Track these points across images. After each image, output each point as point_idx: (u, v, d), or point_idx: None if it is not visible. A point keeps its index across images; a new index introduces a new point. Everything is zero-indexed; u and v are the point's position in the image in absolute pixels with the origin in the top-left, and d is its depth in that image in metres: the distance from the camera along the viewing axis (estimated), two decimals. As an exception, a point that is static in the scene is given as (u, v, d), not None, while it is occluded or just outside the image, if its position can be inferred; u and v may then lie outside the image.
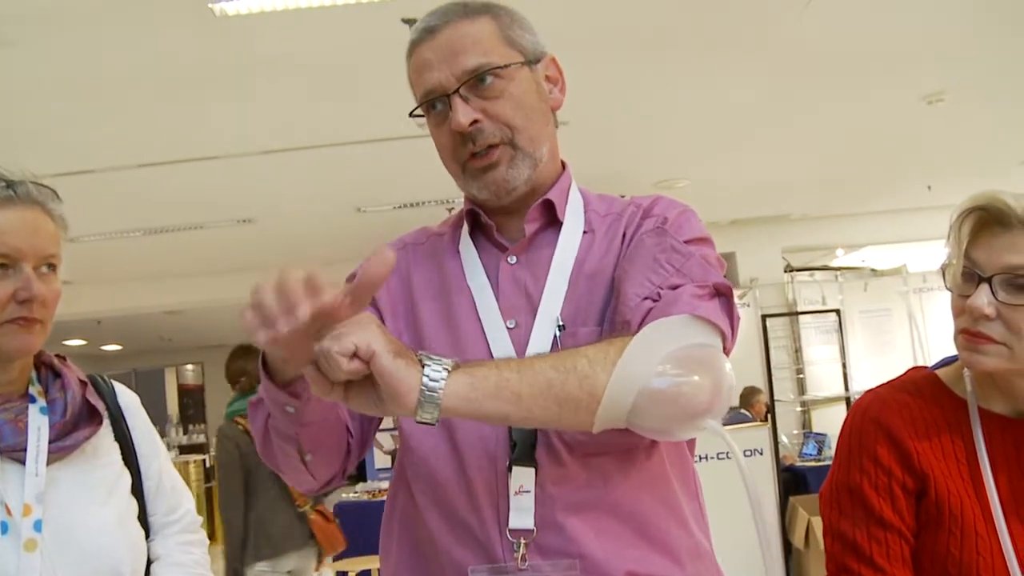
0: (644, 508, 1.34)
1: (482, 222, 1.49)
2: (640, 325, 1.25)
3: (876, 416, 1.51)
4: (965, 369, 1.52)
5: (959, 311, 1.45)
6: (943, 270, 1.50)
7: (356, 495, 7.73)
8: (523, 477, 1.31)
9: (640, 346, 1.20)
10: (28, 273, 1.47)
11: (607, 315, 1.35)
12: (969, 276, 1.42)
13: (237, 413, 4.88)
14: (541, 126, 1.44)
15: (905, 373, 1.65)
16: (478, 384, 1.12)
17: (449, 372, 1.10)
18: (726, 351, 1.31)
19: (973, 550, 1.40)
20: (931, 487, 1.45)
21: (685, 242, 1.36)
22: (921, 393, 1.54)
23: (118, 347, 16.98)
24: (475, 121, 1.37)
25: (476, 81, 1.37)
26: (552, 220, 1.46)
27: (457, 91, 1.37)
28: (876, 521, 1.46)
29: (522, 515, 1.30)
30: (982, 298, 1.38)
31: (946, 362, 1.61)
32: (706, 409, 1.17)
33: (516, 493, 1.31)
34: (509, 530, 1.30)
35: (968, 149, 6.99)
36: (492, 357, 1.36)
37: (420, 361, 1.10)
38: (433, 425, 1.11)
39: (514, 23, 1.44)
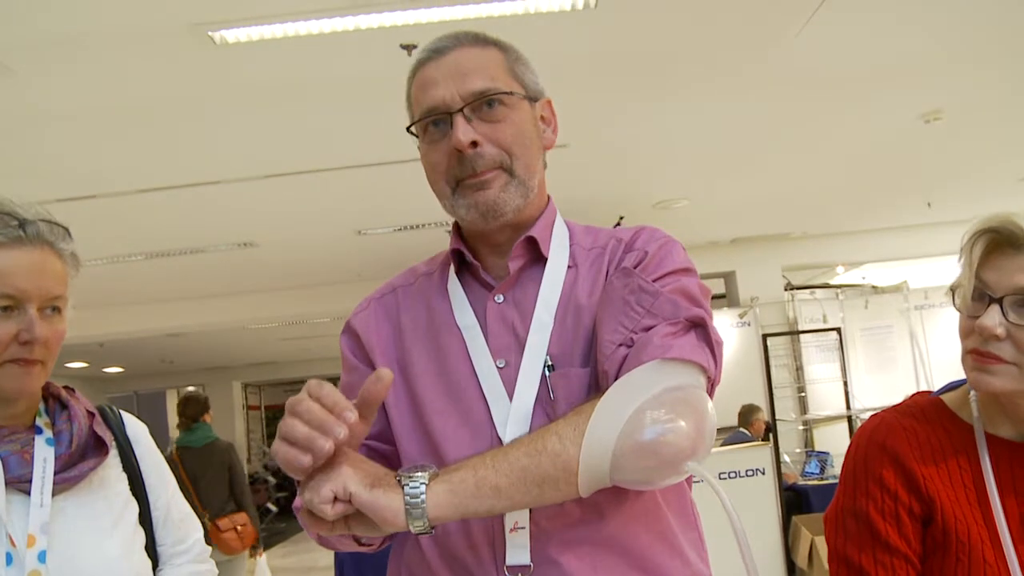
0: (639, 541, 1.34)
1: (467, 261, 1.49)
2: (617, 375, 1.27)
3: (882, 441, 1.51)
4: (971, 393, 1.52)
5: (968, 332, 1.45)
6: (952, 290, 1.50)
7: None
8: (518, 514, 1.31)
9: (604, 411, 1.21)
10: (32, 315, 1.47)
11: (593, 355, 1.35)
12: (980, 297, 1.42)
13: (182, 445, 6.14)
14: (535, 159, 1.45)
15: (910, 398, 1.65)
16: (457, 489, 1.17)
17: (427, 485, 1.16)
18: (712, 381, 1.30)
19: None
20: (938, 513, 1.44)
21: (665, 275, 1.36)
22: (927, 418, 1.54)
23: (120, 369, 16.98)
24: (475, 143, 1.37)
25: (481, 104, 1.38)
26: (537, 256, 1.46)
27: (461, 110, 1.38)
28: (882, 546, 1.46)
29: (518, 552, 1.31)
30: (993, 318, 1.39)
31: (950, 387, 1.60)
32: (688, 454, 1.17)
33: (511, 530, 1.31)
34: (507, 567, 1.30)
35: (967, 167, 7.01)
36: (484, 397, 1.37)
37: (399, 481, 1.16)
38: (431, 534, 1.17)
39: (519, 61, 1.46)
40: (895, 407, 1.60)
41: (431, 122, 1.41)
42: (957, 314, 1.50)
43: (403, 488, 1.15)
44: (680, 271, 1.38)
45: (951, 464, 1.47)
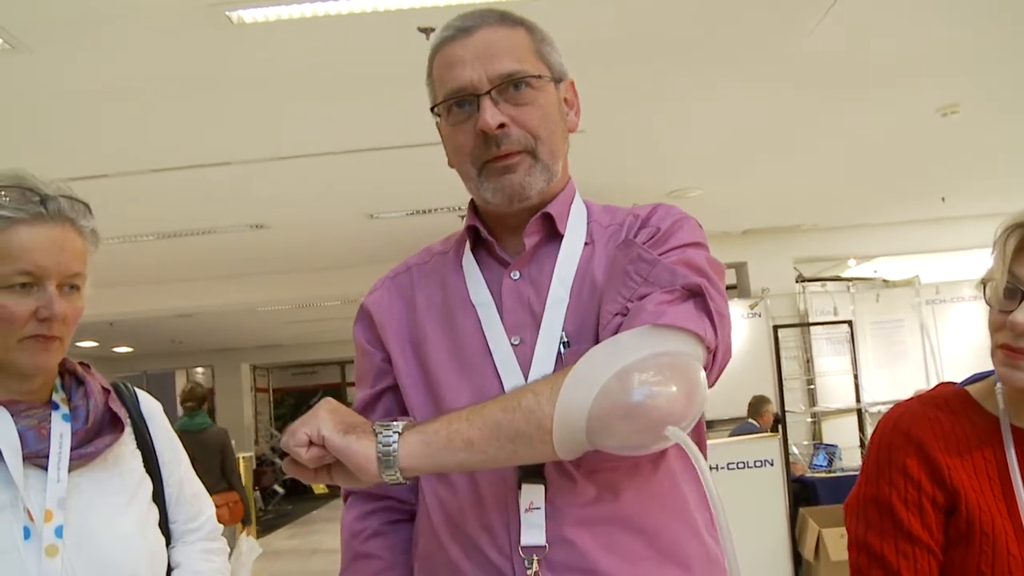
0: (655, 520, 1.33)
1: (483, 238, 1.48)
2: None
3: (906, 430, 1.50)
4: (997, 385, 1.50)
5: (998, 326, 1.43)
6: (983, 284, 1.48)
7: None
8: (533, 494, 1.31)
9: (583, 370, 1.19)
10: (51, 292, 1.47)
11: None
12: (1012, 292, 1.41)
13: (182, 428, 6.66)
14: (560, 142, 1.44)
15: (934, 388, 1.63)
16: (430, 440, 1.18)
17: (400, 435, 1.18)
18: (713, 352, 1.27)
19: (1005, 569, 1.38)
20: (962, 504, 1.43)
21: (672, 248, 1.34)
22: (952, 408, 1.52)
23: (129, 349, 17.07)
24: (502, 125, 1.36)
25: (509, 86, 1.37)
26: (553, 233, 1.45)
27: (488, 92, 1.37)
28: (904, 535, 1.45)
29: (533, 532, 1.30)
30: None
31: (976, 378, 1.59)
32: (676, 420, 1.15)
33: (527, 510, 1.31)
34: (521, 547, 1.30)
35: (982, 161, 6.97)
36: (498, 375, 1.37)
37: (374, 430, 1.18)
38: (405, 484, 1.20)
39: (545, 41, 1.45)
40: (919, 396, 1.59)
41: (455, 103, 1.40)
42: (970, 308, 1.48)
43: (376, 437, 1.17)
44: (689, 244, 1.36)
45: (976, 455, 1.46)
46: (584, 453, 1.28)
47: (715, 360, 1.28)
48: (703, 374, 1.21)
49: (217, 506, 5.63)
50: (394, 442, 1.17)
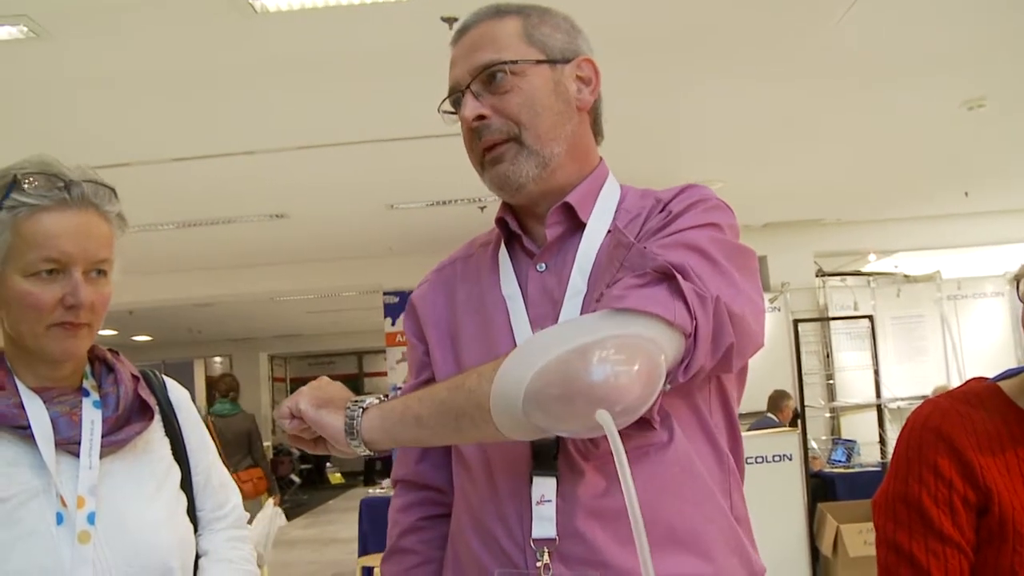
0: (668, 510, 1.30)
1: (511, 230, 1.48)
2: None
3: (937, 427, 1.47)
4: None
5: None
6: (1017, 280, 1.45)
7: (383, 491, 7.76)
8: (544, 486, 1.31)
9: (523, 349, 1.20)
10: (77, 278, 1.47)
11: None
12: None
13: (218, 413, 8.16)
14: (555, 125, 1.40)
15: (965, 383, 1.61)
16: (386, 415, 1.30)
17: (364, 410, 1.30)
18: (693, 335, 1.20)
19: None
20: (995, 503, 1.41)
21: (675, 232, 1.30)
22: (984, 405, 1.49)
23: (148, 338, 17.17)
24: (481, 116, 1.38)
25: (488, 77, 1.38)
26: (578, 223, 1.42)
27: (468, 86, 1.39)
28: (935, 534, 1.43)
29: (544, 524, 1.30)
30: None
31: (1009, 374, 1.56)
32: (611, 402, 1.10)
33: (538, 503, 1.30)
34: (532, 539, 1.30)
35: (1008, 156, 6.91)
36: None
37: (347, 405, 1.31)
38: (374, 456, 1.34)
39: (544, 23, 1.43)
40: (950, 392, 1.56)
41: (454, 101, 1.44)
42: (992, 304, 1.46)
43: (345, 411, 1.30)
44: (693, 227, 1.31)
45: (1008, 454, 1.44)
46: (585, 443, 1.28)
47: (696, 344, 1.21)
48: (660, 359, 1.16)
49: (244, 481, 6.28)
50: (358, 416, 1.29)
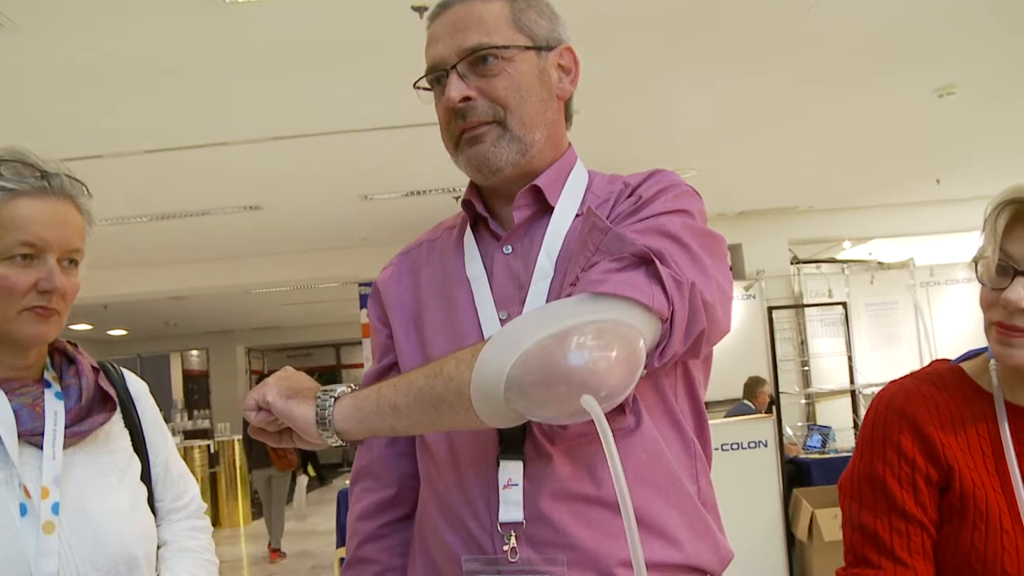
0: (636, 496, 1.25)
1: (478, 213, 1.48)
2: None
3: (901, 407, 1.49)
4: (992, 362, 1.49)
5: (991, 304, 1.42)
6: (975, 262, 1.46)
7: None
8: (511, 470, 1.31)
9: (503, 335, 1.19)
10: (52, 265, 1.49)
11: None
12: (1003, 270, 1.39)
13: None
14: (538, 111, 1.41)
15: (928, 365, 1.62)
16: (360, 404, 1.26)
17: (336, 400, 1.27)
18: (669, 320, 1.21)
19: (998, 545, 1.38)
20: (956, 480, 1.43)
21: (647, 217, 1.30)
22: (946, 385, 1.52)
23: (124, 332, 17.05)
24: (467, 98, 1.37)
25: (476, 60, 1.37)
26: (546, 206, 1.43)
27: (455, 67, 1.38)
28: (898, 513, 1.45)
29: (511, 508, 1.31)
30: (1018, 292, 1.35)
31: (970, 355, 1.58)
32: (593, 387, 1.10)
33: (505, 487, 1.31)
34: (500, 523, 1.31)
35: (978, 143, 6.97)
36: None
37: (317, 395, 1.28)
38: (345, 446, 1.30)
39: (530, 8, 1.43)
40: (913, 374, 1.58)
41: (434, 79, 1.42)
42: (963, 290, 1.47)
43: (315, 401, 1.26)
44: (665, 212, 1.31)
45: (970, 432, 1.46)
46: (553, 428, 1.28)
47: (672, 329, 1.22)
48: (640, 344, 1.17)
49: (279, 457, 9.81)
50: (330, 406, 1.26)
